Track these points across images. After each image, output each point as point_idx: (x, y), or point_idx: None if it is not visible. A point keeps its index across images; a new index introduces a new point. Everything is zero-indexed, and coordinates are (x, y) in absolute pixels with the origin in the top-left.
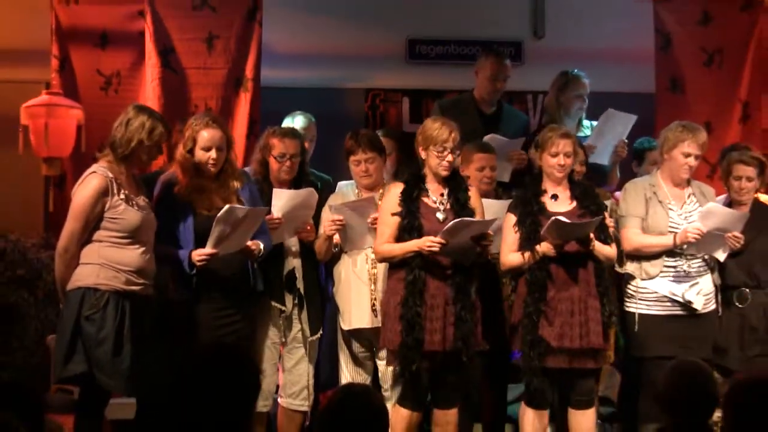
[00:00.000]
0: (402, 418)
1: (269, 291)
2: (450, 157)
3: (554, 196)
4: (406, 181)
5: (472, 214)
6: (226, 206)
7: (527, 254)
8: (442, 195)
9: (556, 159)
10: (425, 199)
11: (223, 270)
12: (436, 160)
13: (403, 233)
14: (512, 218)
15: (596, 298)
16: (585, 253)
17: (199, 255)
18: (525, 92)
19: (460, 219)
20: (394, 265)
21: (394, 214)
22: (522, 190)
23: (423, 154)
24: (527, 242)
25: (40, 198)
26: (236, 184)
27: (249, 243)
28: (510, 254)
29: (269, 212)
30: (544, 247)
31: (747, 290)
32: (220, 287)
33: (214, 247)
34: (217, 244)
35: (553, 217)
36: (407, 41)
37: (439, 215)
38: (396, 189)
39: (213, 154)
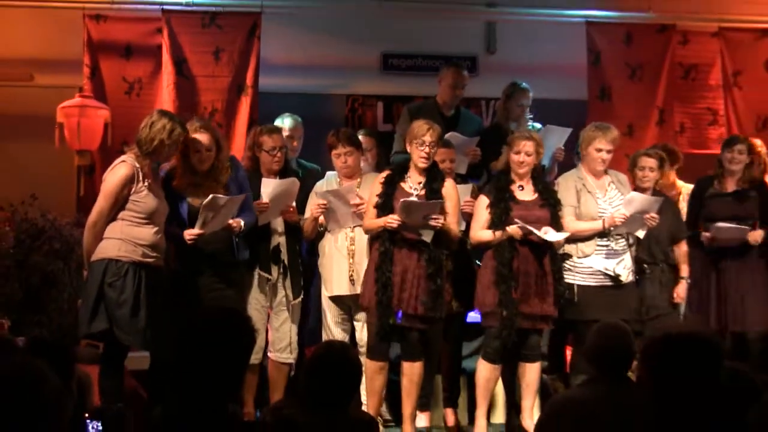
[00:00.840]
0: (372, 369)
1: (258, 263)
2: (426, 150)
3: (521, 186)
4: (392, 169)
5: (441, 199)
6: (210, 196)
7: (498, 232)
8: (419, 183)
9: (517, 156)
10: (403, 185)
11: (211, 245)
12: (416, 153)
13: (378, 211)
14: (485, 200)
15: (551, 275)
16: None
17: (189, 234)
18: (479, 99)
19: (404, 200)
20: (372, 238)
21: (378, 195)
22: (495, 178)
23: (408, 148)
24: (499, 222)
25: (72, 184)
26: (224, 179)
27: (230, 221)
28: (480, 231)
29: (245, 198)
30: (513, 230)
31: (646, 266)
32: (209, 260)
33: (201, 228)
34: (203, 225)
35: (402, 199)
36: (381, 55)
37: (413, 200)
38: (382, 175)
39: (203, 153)
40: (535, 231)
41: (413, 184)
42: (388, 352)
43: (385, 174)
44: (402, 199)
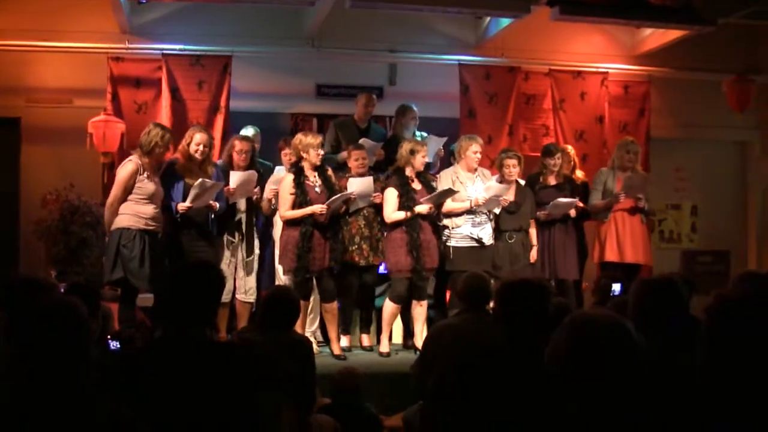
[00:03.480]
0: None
1: (226, 230)
2: (321, 152)
3: (412, 180)
4: (294, 173)
5: (333, 186)
6: (199, 179)
7: (409, 213)
8: (315, 176)
9: (424, 160)
10: (307, 182)
11: (196, 218)
12: (314, 156)
13: (300, 204)
14: (394, 191)
15: (435, 238)
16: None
17: (181, 206)
18: (384, 116)
19: (338, 196)
20: (291, 222)
21: (291, 194)
22: (397, 176)
23: (304, 155)
24: (408, 206)
25: (99, 176)
26: (210, 170)
27: (211, 202)
28: (394, 213)
29: (225, 185)
30: (422, 208)
31: (514, 233)
32: (195, 228)
33: (191, 203)
34: (192, 201)
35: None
36: (316, 85)
37: (317, 189)
38: (289, 177)
39: (201, 147)
40: (438, 189)
41: (312, 179)
42: (308, 293)
43: (291, 177)
44: (340, 195)
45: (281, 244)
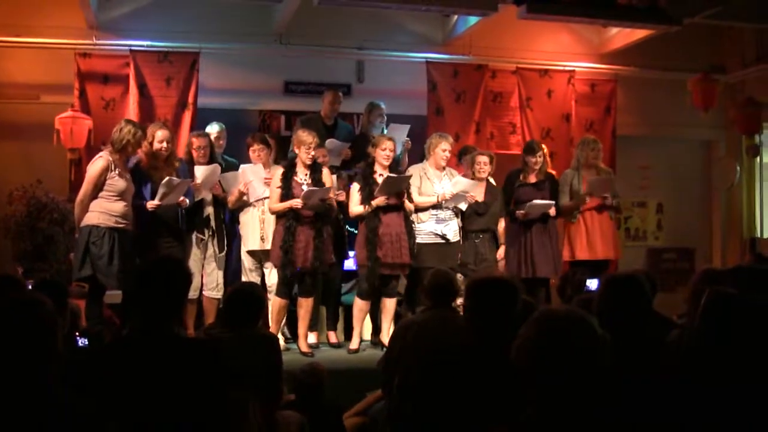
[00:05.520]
0: (278, 303)
1: (195, 227)
2: (312, 153)
3: (381, 175)
4: (285, 167)
5: (323, 185)
6: (167, 178)
7: (367, 207)
8: (306, 174)
9: (384, 152)
10: (295, 177)
11: (165, 216)
12: (304, 154)
13: (283, 198)
14: (356, 186)
15: (405, 232)
16: (398, 204)
17: (150, 204)
18: (352, 113)
19: (307, 189)
20: (279, 216)
21: (278, 187)
22: (362, 170)
23: (297, 150)
24: (367, 199)
25: (66, 172)
26: (176, 165)
27: (180, 199)
28: (356, 207)
29: (192, 182)
30: (379, 201)
31: (480, 233)
32: (164, 225)
33: (159, 201)
34: (161, 199)
35: (386, 175)
36: (284, 82)
37: (304, 187)
38: (279, 171)
39: (164, 144)
40: (393, 176)
41: (302, 177)
42: (291, 293)
43: (281, 171)
44: (308, 189)
45: (273, 238)
